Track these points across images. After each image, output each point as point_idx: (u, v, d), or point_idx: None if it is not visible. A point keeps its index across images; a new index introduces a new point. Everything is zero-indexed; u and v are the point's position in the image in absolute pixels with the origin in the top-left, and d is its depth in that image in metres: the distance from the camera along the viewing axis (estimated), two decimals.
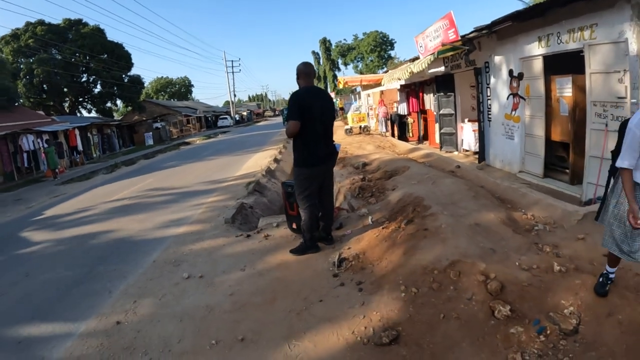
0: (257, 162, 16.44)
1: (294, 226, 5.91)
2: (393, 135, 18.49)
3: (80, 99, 44.91)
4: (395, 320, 3.32)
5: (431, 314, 3.26)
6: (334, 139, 5.32)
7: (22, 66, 36.86)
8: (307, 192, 5.02)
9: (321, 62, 65.10)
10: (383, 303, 3.60)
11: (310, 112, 4.80)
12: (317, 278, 4.53)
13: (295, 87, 5.16)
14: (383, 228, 5.32)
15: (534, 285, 3.32)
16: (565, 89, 7.37)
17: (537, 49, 7.75)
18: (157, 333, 3.96)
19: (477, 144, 10.89)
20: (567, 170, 7.64)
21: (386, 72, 21.78)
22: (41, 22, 38.22)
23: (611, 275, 3.13)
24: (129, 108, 49.81)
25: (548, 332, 2.88)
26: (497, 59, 9.30)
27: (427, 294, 3.49)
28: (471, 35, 9.42)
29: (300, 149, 4.98)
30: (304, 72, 5.04)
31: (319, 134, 4.93)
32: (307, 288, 4.33)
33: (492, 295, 3.25)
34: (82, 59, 40.42)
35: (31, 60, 36.89)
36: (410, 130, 17.65)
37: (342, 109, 26.57)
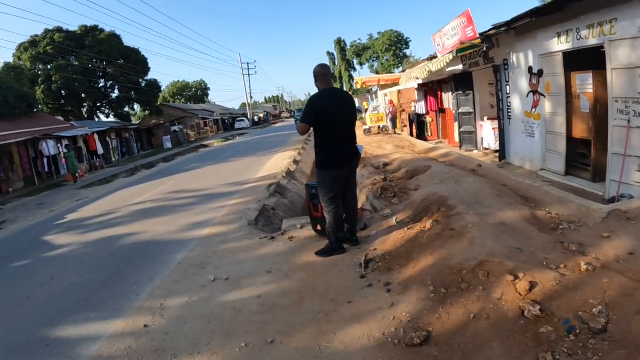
0: (277, 163, 16.51)
1: (319, 228, 5.92)
2: (412, 134, 18.45)
3: (99, 104, 45.57)
4: (425, 321, 3.33)
5: (461, 314, 3.25)
6: None
7: (40, 73, 37.47)
8: (331, 194, 5.03)
9: (336, 63, 64.97)
10: (412, 304, 3.61)
11: (327, 114, 4.81)
12: (344, 279, 4.54)
13: (313, 89, 5.20)
14: (408, 229, 5.31)
15: (562, 284, 3.29)
16: (586, 86, 7.30)
17: (556, 45, 7.69)
18: (185, 335, 4.00)
19: (497, 142, 10.82)
20: (589, 168, 7.56)
21: (403, 71, 21.81)
22: (59, 29, 38.86)
23: None
24: (147, 112, 50.37)
25: (577, 331, 2.86)
26: (516, 56, 9.24)
27: (457, 294, 3.48)
28: (489, 32, 9.37)
29: (320, 151, 5.03)
30: (321, 74, 5.07)
31: (337, 136, 4.93)
32: (334, 289, 4.35)
33: (521, 295, 3.23)
34: (99, 64, 41.03)
35: (49, 67, 37.53)
36: (429, 130, 17.61)
37: (367, 110, 26.29)
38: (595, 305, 2.99)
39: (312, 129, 4.95)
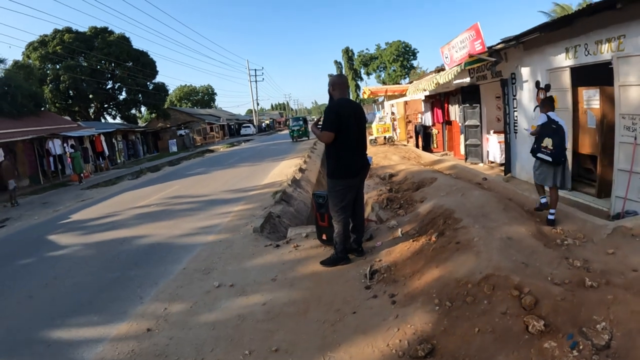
0: (283, 171, 16.55)
1: (324, 237, 5.95)
2: (417, 146, 18.50)
3: (106, 106, 45.66)
4: (430, 334, 3.34)
5: (466, 327, 3.27)
6: None
7: (49, 72, 37.56)
8: (342, 203, 5.05)
9: (344, 72, 65.14)
10: (417, 316, 3.62)
11: (348, 122, 4.86)
12: (349, 289, 4.57)
13: (320, 98, 5.23)
14: (414, 240, 5.34)
15: (567, 299, 3.30)
16: (593, 101, 7.33)
17: (564, 61, 7.72)
18: (189, 341, 4.01)
19: (503, 156, 10.83)
20: (595, 183, 7.57)
21: (410, 82, 21.87)
22: (68, 30, 39.00)
23: None
24: (153, 115, 50.48)
25: (581, 347, 2.86)
26: (524, 70, 9.27)
27: (462, 308, 3.49)
28: (498, 46, 9.41)
29: (335, 160, 5.00)
30: (339, 83, 5.14)
31: (353, 145, 4.97)
32: (339, 299, 4.37)
33: (526, 309, 3.24)
34: (107, 66, 41.18)
35: (58, 67, 37.67)
36: (434, 141, 17.65)
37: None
38: (599, 321, 3.01)
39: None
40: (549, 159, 5.75)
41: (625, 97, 6.25)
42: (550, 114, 5.94)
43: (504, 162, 10.76)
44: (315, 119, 5.33)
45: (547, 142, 5.77)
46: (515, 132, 10.03)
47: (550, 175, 5.87)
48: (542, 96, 8.62)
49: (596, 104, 7.24)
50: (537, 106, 8.84)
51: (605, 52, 6.60)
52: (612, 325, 2.96)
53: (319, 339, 3.68)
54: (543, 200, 6.01)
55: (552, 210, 5.70)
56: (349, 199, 5.08)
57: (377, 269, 4.86)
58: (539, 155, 5.91)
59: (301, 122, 37.97)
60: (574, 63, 7.49)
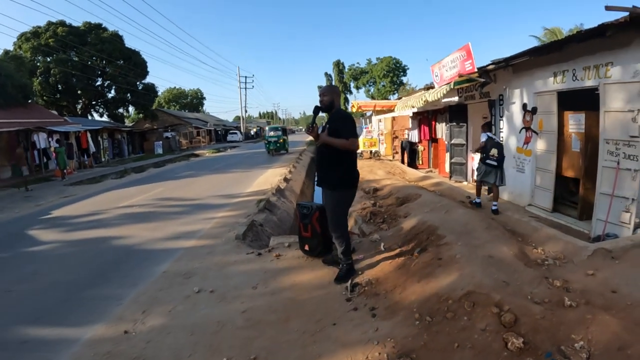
0: (268, 179, 16.50)
1: (306, 248, 5.92)
2: (403, 161, 18.63)
3: (94, 102, 45.20)
4: (409, 348, 3.35)
5: (445, 342, 3.28)
6: None
7: (39, 64, 37.12)
8: (345, 214, 5.07)
9: (333, 84, 65.38)
10: (397, 330, 3.63)
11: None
12: (330, 301, 4.56)
13: (307, 109, 5.16)
14: (396, 255, 5.37)
15: (546, 318, 3.34)
16: (578, 125, 7.48)
17: (552, 84, 7.88)
18: (167, 345, 3.95)
19: None
20: (577, 206, 7.69)
21: (399, 98, 22.06)
22: (62, 23, 38.56)
23: None
24: (141, 115, 50.11)
25: None
26: (512, 92, 9.42)
27: (442, 323, 3.52)
28: (488, 67, 9.55)
29: (345, 170, 4.94)
30: (338, 93, 5.18)
31: (356, 155, 5.05)
32: (320, 310, 4.35)
33: (505, 327, 3.28)
34: (99, 62, 40.80)
35: (49, 59, 37.28)
36: (420, 158, 17.81)
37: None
38: (577, 340, 3.05)
39: (314, 145, 4.97)
40: (495, 163, 8.11)
41: (610, 123, 6.39)
42: (488, 133, 8.43)
43: None
44: (313, 126, 5.00)
45: (494, 151, 8.12)
46: None
47: (494, 175, 8.18)
48: (528, 118, 8.77)
49: (581, 128, 7.39)
50: (523, 128, 9.00)
51: (593, 78, 6.76)
52: (590, 344, 3.01)
53: (298, 348, 3.66)
54: (478, 201, 8.66)
55: (495, 203, 8.07)
56: (348, 209, 5.09)
57: (358, 282, 4.86)
58: (488, 161, 8.17)
59: (280, 133, 32.05)
60: (561, 87, 7.64)
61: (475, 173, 8.50)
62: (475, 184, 9.05)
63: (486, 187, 8.79)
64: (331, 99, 5.04)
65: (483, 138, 8.37)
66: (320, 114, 5.14)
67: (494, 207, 7.89)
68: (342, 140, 4.80)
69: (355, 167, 5.06)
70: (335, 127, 4.87)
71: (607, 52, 6.43)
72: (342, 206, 5.07)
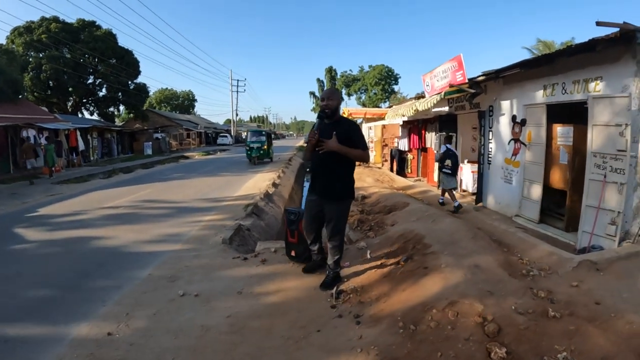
0: (257, 184, 16.46)
1: (293, 254, 5.90)
2: (392, 169, 18.67)
3: (84, 100, 44.89)
4: (393, 356, 3.34)
5: (429, 351, 3.28)
6: None
7: (31, 60, 36.85)
8: (346, 224, 5.03)
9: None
10: (381, 338, 3.62)
11: None
12: (314, 308, 4.54)
13: (299, 114, 5.05)
14: (382, 263, 5.37)
15: (530, 329, 3.36)
16: (566, 138, 7.55)
17: (541, 97, 7.96)
18: (150, 348, 3.90)
19: (475, 186, 11.03)
20: (563, 217, 7.75)
21: (390, 106, 22.13)
22: (56, 19, 38.31)
23: None
24: (131, 115, 49.84)
25: None
26: (502, 103, 9.51)
27: (425, 332, 3.52)
28: (479, 78, 9.63)
29: (349, 180, 4.90)
30: (341, 99, 5.14)
31: None
32: (305, 317, 4.34)
33: (489, 337, 3.29)
34: (91, 60, 40.58)
35: (41, 55, 37.07)
36: (409, 166, 17.87)
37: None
38: (560, 351, 3.07)
39: (309, 152, 4.84)
40: (449, 172, 9.90)
41: (597, 136, 6.46)
42: (447, 145, 10.13)
43: (475, 191, 10.96)
44: (317, 132, 4.77)
45: (448, 162, 9.87)
46: (489, 164, 10.24)
47: (453, 181, 10.06)
48: (517, 130, 8.85)
49: (569, 141, 7.46)
50: (512, 139, 9.07)
51: (582, 91, 6.85)
52: (573, 355, 3.03)
53: (282, 354, 3.64)
54: (441, 200, 10.48)
55: (456, 202, 9.55)
56: None
57: (343, 289, 4.85)
58: (444, 170, 9.97)
59: (264, 139, 27.47)
60: (550, 100, 7.73)
61: (443, 183, 10.21)
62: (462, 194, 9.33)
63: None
64: (339, 103, 4.87)
65: (442, 149, 10.08)
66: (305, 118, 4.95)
67: (456, 204, 9.48)
68: (359, 151, 4.67)
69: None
70: (349, 136, 4.68)
71: (597, 66, 6.52)
72: (346, 216, 5.04)
